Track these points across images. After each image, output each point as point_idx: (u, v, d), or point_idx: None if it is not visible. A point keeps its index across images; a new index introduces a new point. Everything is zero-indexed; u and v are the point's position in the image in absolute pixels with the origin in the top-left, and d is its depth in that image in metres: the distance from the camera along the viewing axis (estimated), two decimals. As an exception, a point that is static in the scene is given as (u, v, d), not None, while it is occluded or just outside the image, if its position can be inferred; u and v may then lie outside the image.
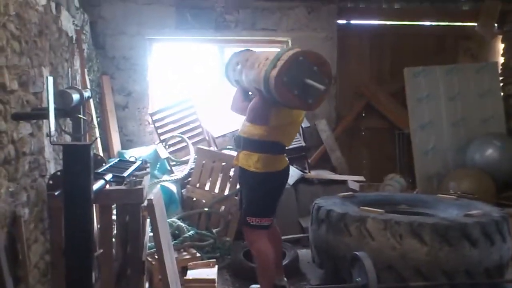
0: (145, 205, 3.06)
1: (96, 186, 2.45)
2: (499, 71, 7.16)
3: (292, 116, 3.49)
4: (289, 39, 6.92)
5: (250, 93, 3.69)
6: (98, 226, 3.10)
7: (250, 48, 3.88)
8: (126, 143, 6.52)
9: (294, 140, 5.95)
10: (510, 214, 4.29)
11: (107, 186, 2.85)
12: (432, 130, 6.62)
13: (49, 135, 2.22)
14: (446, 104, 6.68)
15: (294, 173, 5.70)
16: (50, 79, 2.40)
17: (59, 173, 2.92)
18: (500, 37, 7.55)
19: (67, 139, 3.68)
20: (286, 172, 3.60)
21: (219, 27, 6.76)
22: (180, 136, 6.01)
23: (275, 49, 7.08)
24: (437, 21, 7.51)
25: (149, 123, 6.52)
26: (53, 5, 3.97)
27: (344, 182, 5.86)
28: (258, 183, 3.46)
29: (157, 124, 6.11)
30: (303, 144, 6.07)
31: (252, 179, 3.49)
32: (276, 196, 3.58)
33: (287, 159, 3.60)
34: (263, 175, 3.44)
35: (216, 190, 5.22)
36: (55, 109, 2.44)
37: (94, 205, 3.28)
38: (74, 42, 4.91)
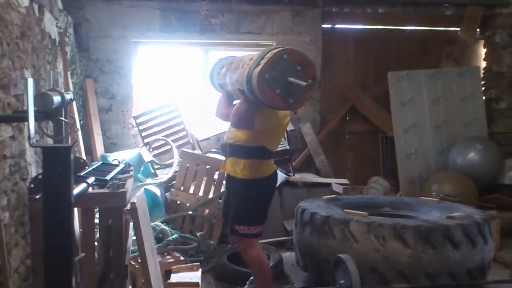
0: (128, 208, 3.04)
1: (78, 189, 2.42)
2: (481, 76, 7.25)
3: (277, 119, 3.46)
4: (274, 43, 6.93)
5: (234, 98, 3.67)
6: (80, 229, 3.07)
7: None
8: (110, 146, 6.48)
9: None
10: (491, 216, 4.35)
11: (90, 189, 2.83)
12: (415, 134, 6.67)
13: (29, 137, 2.19)
14: (429, 108, 6.73)
15: (278, 176, 5.69)
16: (30, 80, 2.37)
17: (40, 176, 2.88)
18: (482, 42, 7.65)
19: (49, 141, 3.65)
20: (274, 178, 3.59)
21: (204, 30, 6.75)
22: (164, 139, 5.98)
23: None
24: (421, 26, 7.59)
25: (133, 126, 6.48)
26: (36, 7, 3.94)
27: (328, 185, 5.89)
28: (246, 190, 3.44)
29: (141, 127, 6.07)
30: (288, 147, 6.09)
31: (239, 186, 3.47)
32: (265, 203, 3.56)
33: (274, 165, 3.59)
34: (250, 182, 3.43)
35: (201, 193, 5.21)
36: (35, 111, 2.41)
37: (76, 208, 3.26)
38: (57, 44, 4.87)
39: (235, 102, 3.63)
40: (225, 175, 3.70)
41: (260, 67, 2.92)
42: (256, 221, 3.47)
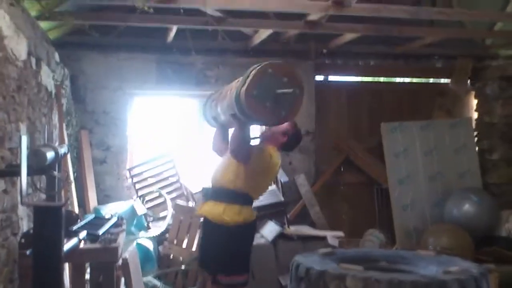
0: (120, 263, 3.00)
1: (69, 244, 2.39)
2: (473, 127, 7.32)
3: (269, 162, 3.47)
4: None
5: (229, 131, 3.66)
6: (71, 285, 3.01)
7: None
8: (103, 198, 6.40)
9: (273, 195, 5.95)
10: (489, 270, 4.29)
11: (81, 244, 2.79)
12: (410, 185, 6.66)
13: (21, 195, 2.17)
14: (422, 159, 6.75)
15: (273, 228, 5.65)
16: (24, 138, 2.37)
17: (31, 231, 2.84)
18: (473, 93, 7.78)
19: (42, 196, 3.61)
20: (254, 225, 3.53)
21: (200, 82, 6.83)
22: (158, 191, 5.95)
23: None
24: (412, 78, 7.73)
25: (127, 178, 6.45)
26: (33, 60, 4.00)
27: (324, 238, 5.82)
28: (226, 237, 3.35)
29: (135, 179, 6.05)
30: (282, 199, 6.05)
31: (218, 232, 3.38)
32: (247, 250, 3.48)
33: (254, 212, 3.52)
34: (230, 228, 3.34)
35: (194, 248, 5.13)
36: (28, 167, 2.40)
37: (67, 263, 3.20)
38: (53, 96, 4.92)
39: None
40: (201, 219, 3.61)
41: (246, 85, 2.93)
42: (241, 269, 3.39)
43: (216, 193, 3.47)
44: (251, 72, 3.01)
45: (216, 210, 3.40)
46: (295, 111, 3.07)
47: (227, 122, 3.56)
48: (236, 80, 3.21)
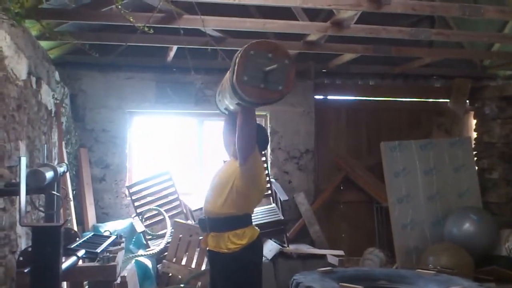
0: (118, 282, 2.98)
1: (67, 263, 2.38)
2: (473, 146, 7.33)
3: (261, 161, 3.47)
4: (267, 113, 7.05)
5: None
6: (68, 305, 2.99)
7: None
8: (102, 216, 6.40)
9: (273, 214, 5.94)
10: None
11: (80, 262, 2.78)
12: (409, 204, 6.64)
13: (19, 216, 2.17)
14: (422, 178, 6.73)
15: (272, 247, 5.64)
16: (24, 159, 2.37)
17: (29, 248, 2.84)
18: (472, 112, 7.82)
19: (41, 214, 3.61)
20: (260, 242, 3.44)
21: (199, 101, 6.87)
22: (157, 209, 5.93)
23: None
24: (411, 98, 7.76)
25: (126, 195, 6.44)
26: (33, 79, 4.03)
27: (323, 256, 5.80)
28: (234, 264, 3.24)
29: (134, 197, 6.04)
30: (282, 217, 6.03)
31: (226, 263, 3.27)
32: (259, 272, 3.37)
33: (257, 228, 3.43)
34: (237, 253, 3.24)
35: (193, 265, 5.11)
36: (27, 186, 2.40)
37: (65, 282, 3.18)
38: (53, 115, 4.93)
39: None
40: (207, 251, 3.48)
41: (235, 75, 2.89)
42: None
43: (215, 223, 3.34)
44: (236, 59, 2.95)
45: (222, 241, 3.28)
46: (290, 82, 2.98)
47: (236, 111, 3.47)
48: (229, 71, 3.19)
